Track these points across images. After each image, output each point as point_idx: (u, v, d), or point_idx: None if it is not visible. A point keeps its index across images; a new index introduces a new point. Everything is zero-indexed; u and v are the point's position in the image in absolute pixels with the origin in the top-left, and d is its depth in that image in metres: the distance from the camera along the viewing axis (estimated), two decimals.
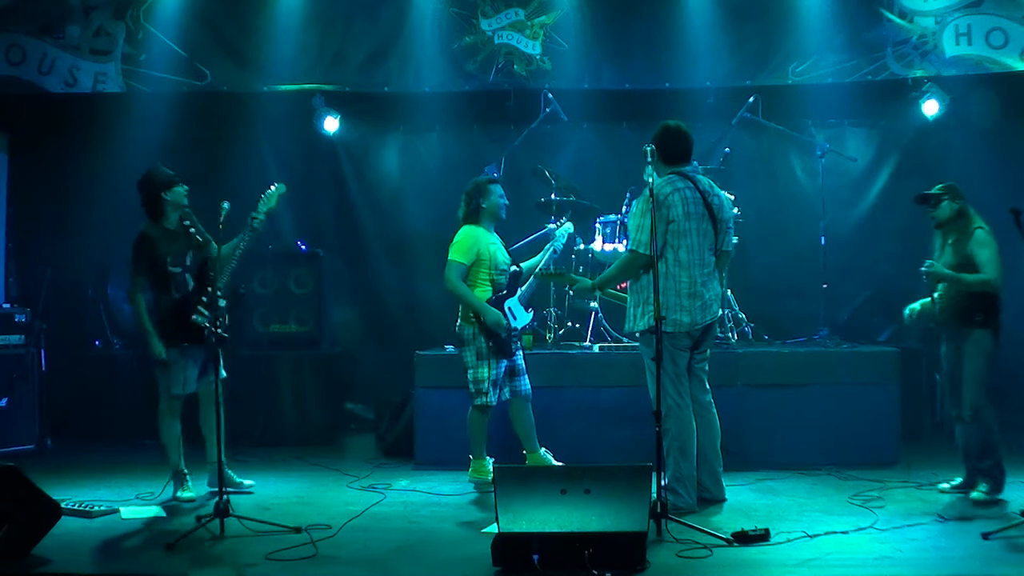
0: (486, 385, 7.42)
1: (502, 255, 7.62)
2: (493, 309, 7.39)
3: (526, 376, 7.67)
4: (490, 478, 7.41)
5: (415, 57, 9.86)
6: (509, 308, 7.50)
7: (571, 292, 8.96)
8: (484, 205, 7.56)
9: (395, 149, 10.74)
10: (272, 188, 7.45)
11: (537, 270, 7.78)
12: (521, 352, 7.73)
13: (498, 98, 10.07)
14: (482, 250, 7.47)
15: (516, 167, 9.73)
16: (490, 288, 7.50)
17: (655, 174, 6.53)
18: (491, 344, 7.41)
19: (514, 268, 7.66)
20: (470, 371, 7.49)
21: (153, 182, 7.33)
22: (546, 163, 9.55)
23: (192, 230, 7.35)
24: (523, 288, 7.67)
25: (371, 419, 9.96)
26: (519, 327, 7.61)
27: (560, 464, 7.55)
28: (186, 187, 7.40)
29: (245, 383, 9.44)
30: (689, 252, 6.68)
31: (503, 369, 7.50)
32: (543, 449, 7.72)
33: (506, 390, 7.57)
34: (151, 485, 7.60)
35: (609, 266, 7.48)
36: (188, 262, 7.34)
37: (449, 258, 7.46)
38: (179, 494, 7.31)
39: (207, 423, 7.38)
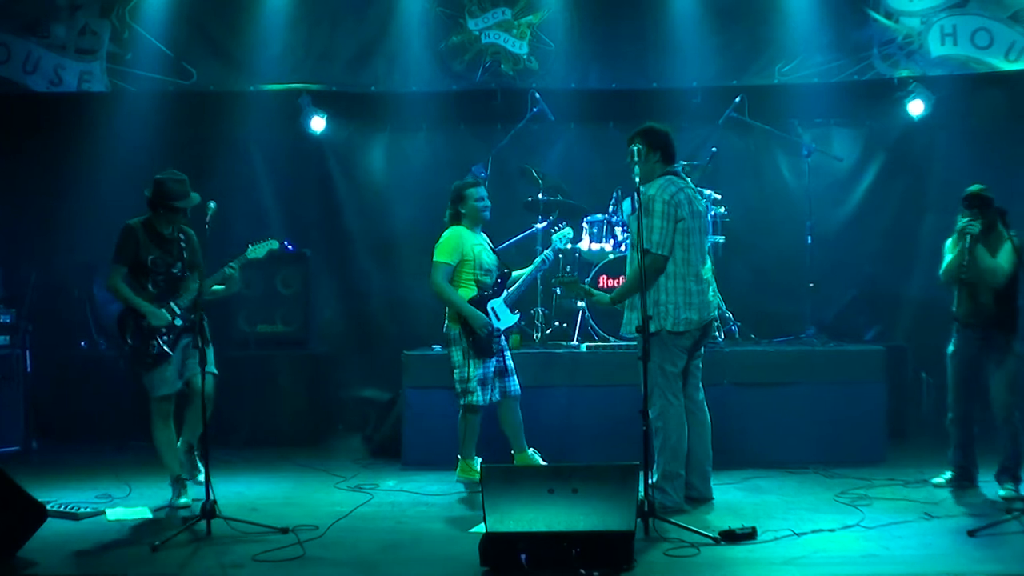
0: (473, 384, 7.43)
1: (487, 255, 7.63)
2: (477, 311, 7.42)
3: (515, 376, 7.68)
4: (479, 478, 7.40)
5: (402, 57, 9.85)
6: (493, 308, 7.52)
7: (558, 292, 8.97)
8: (463, 210, 7.62)
9: (382, 149, 10.72)
10: (265, 241, 7.36)
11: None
12: (509, 352, 7.73)
13: (485, 98, 10.06)
14: (466, 250, 7.50)
15: (503, 167, 9.72)
16: (475, 287, 7.53)
17: (639, 174, 6.52)
18: (472, 343, 7.43)
19: (502, 268, 7.67)
20: (456, 371, 7.49)
21: (158, 190, 7.01)
22: (533, 163, 9.55)
23: (183, 244, 7.11)
24: (510, 290, 7.68)
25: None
26: (503, 327, 7.61)
27: (547, 464, 7.56)
28: (178, 216, 7.04)
29: (232, 383, 9.42)
30: (694, 252, 6.71)
31: (492, 369, 7.51)
32: (531, 449, 7.72)
33: (496, 391, 7.57)
34: (137, 486, 7.64)
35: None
36: (175, 270, 7.12)
37: (434, 259, 7.50)
38: (176, 501, 7.07)
39: (194, 413, 7.13)
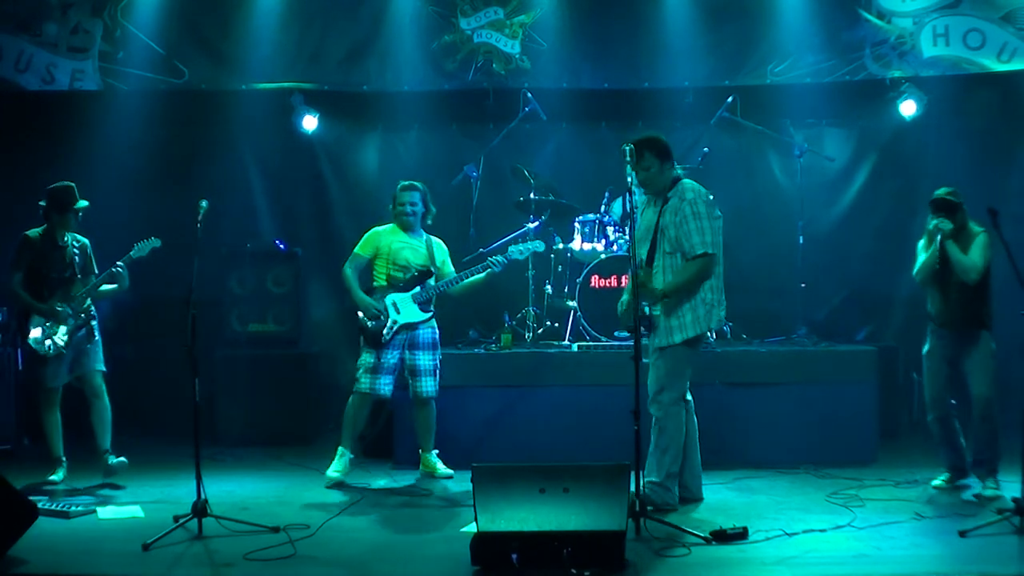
0: (360, 371, 7.78)
1: (410, 255, 7.93)
2: (365, 298, 7.82)
3: (429, 378, 7.87)
4: (339, 477, 7.63)
5: (394, 56, 9.84)
6: (393, 302, 7.82)
7: (549, 291, 8.97)
8: (393, 211, 8.04)
9: (374, 148, 10.68)
10: (148, 240, 7.74)
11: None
12: (426, 354, 7.86)
13: (477, 97, 10.05)
14: (382, 246, 7.94)
15: (495, 166, 9.72)
16: (386, 281, 7.89)
17: (635, 175, 6.57)
18: (361, 331, 7.83)
19: (425, 269, 7.92)
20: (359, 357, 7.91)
21: (52, 198, 7.75)
22: (525, 162, 9.55)
23: (76, 251, 7.81)
24: (424, 285, 7.88)
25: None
26: (402, 322, 7.81)
27: (448, 471, 7.84)
28: (75, 218, 7.76)
29: (223, 383, 9.42)
30: (722, 249, 6.82)
31: (390, 362, 7.78)
32: (435, 451, 7.95)
33: (409, 390, 7.88)
34: (129, 485, 7.67)
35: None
36: (67, 274, 7.78)
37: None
38: (50, 477, 7.75)
39: (96, 416, 7.87)
